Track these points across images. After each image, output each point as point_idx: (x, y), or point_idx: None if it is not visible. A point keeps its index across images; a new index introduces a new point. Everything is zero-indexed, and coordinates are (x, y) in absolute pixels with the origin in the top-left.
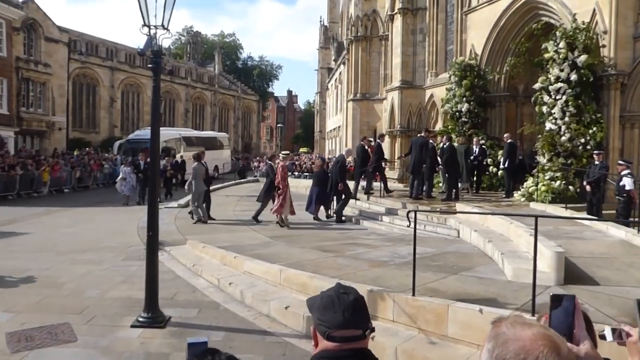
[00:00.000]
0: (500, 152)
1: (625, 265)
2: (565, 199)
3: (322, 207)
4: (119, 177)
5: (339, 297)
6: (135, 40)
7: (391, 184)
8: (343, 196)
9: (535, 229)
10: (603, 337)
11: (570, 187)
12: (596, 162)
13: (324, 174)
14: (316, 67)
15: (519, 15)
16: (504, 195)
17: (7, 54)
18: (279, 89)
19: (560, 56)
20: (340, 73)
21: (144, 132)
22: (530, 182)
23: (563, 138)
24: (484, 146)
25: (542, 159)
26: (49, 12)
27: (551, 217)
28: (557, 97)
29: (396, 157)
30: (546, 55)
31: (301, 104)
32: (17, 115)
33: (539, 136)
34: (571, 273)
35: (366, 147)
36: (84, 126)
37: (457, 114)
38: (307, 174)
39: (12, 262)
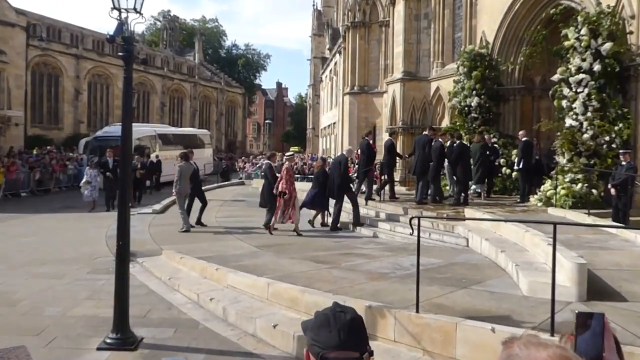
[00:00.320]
0: (515, 151)
1: None
2: (587, 204)
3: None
4: (83, 181)
5: (335, 315)
6: (104, 25)
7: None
8: (342, 203)
9: (554, 238)
10: None
11: (594, 191)
12: (622, 163)
13: (325, 176)
14: (309, 56)
15: None
16: (518, 200)
17: None
18: (267, 81)
19: (582, 44)
20: (335, 63)
21: (114, 129)
22: (548, 185)
23: (585, 136)
24: (496, 145)
25: (562, 159)
26: None
27: (572, 224)
28: (579, 90)
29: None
30: (566, 43)
31: (292, 97)
32: None
33: (558, 134)
34: (595, 287)
35: (371, 143)
36: (45, 122)
37: (466, 109)
38: (298, 176)
39: None
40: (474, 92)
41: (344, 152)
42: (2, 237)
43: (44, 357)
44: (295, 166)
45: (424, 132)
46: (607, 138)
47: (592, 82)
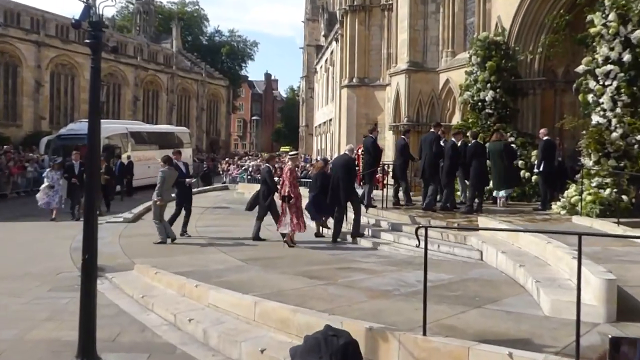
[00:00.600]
0: (535, 152)
1: None
2: (617, 212)
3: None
4: (43, 185)
5: (327, 340)
6: (69, 8)
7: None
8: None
9: (579, 250)
10: None
11: (624, 197)
12: None
13: (326, 178)
14: (301, 44)
15: None
16: (539, 207)
17: None
18: (254, 72)
19: (610, 31)
20: (331, 52)
21: (80, 126)
22: (572, 190)
23: (614, 135)
24: (513, 145)
25: (588, 161)
26: None
27: (599, 235)
28: (606, 83)
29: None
30: (592, 30)
31: (282, 90)
32: None
33: (584, 132)
34: (626, 306)
35: (375, 139)
36: (1, 118)
37: (479, 104)
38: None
39: None
40: (489, 85)
41: (346, 152)
42: None
43: None
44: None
45: (431, 130)
46: (638, 137)
47: (622, 74)
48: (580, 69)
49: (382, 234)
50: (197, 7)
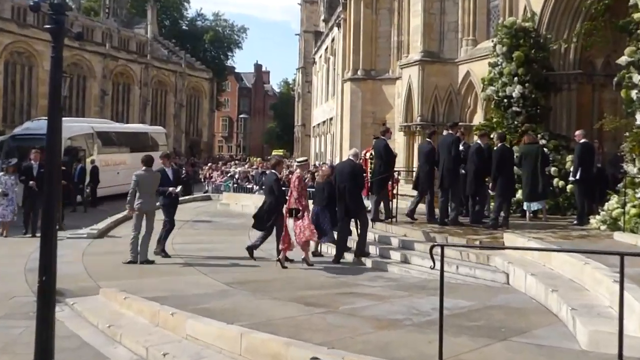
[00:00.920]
0: (570, 157)
1: None
2: None
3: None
4: None
5: None
6: None
7: (407, 204)
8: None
9: (621, 273)
10: None
11: None
12: None
13: (334, 188)
14: (297, 30)
15: None
16: (574, 222)
17: None
18: (242, 62)
19: None
20: (332, 40)
21: (38, 125)
22: (614, 201)
23: None
24: (545, 149)
25: (632, 168)
26: None
27: None
28: None
29: (415, 165)
30: (635, 16)
31: (275, 84)
32: None
33: (627, 134)
34: None
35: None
36: None
37: (505, 100)
38: (284, 188)
39: None
40: (516, 78)
41: (351, 157)
42: None
43: None
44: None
45: (448, 131)
46: None
47: None
48: (623, 60)
49: (391, 252)
50: None
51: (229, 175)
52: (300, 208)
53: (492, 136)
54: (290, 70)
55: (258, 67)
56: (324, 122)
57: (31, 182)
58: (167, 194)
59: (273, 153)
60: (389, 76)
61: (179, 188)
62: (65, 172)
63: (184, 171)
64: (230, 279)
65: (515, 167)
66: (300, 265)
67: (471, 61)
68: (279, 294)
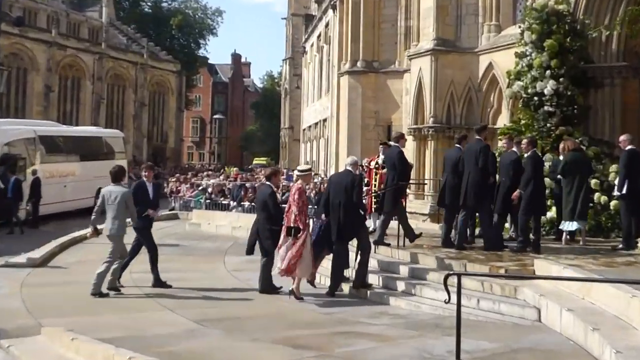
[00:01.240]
0: (614, 167)
1: None
2: None
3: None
4: None
5: None
6: None
7: (417, 224)
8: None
9: None
10: None
11: None
12: None
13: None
14: (284, 13)
15: None
16: (620, 245)
17: None
18: (217, 51)
19: None
20: (327, 25)
21: None
22: None
23: None
24: None
25: None
26: None
27: None
28: None
29: (426, 176)
30: None
31: (257, 78)
32: None
33: None
34: None
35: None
36: None
37: (535, 98)
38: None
39: None
40: (548, 72)
41: (348, 166)
42: None
43: None
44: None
45: (475, 137)
46: None
47: None
48: None
49: (397, 283)
50: None
51: (200, 188)
52: (302, 227)
53: (522, 142)
54: (275, 61)
55: (236, 57)
56: (316, 124)
57: None
58: (145, 216)
59: (254, 162)
60: (395, 69)
61: (159, 211)
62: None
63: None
64: (201, 315)
65: (546, 179)
66: (287, 298)
67: (494, 51)
68: (261, 334)
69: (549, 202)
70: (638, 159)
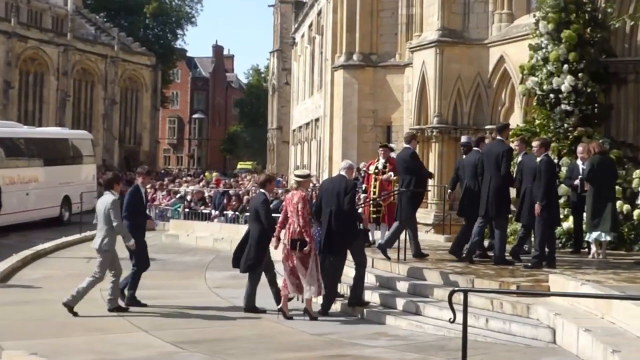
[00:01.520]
0: (638, 172)
1: None
2: None
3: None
4: None
5: None
6: None
7: (420, 235)
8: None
9: None
10: None
11: None
12: None
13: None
14: (272, 1)
15: None
16: None
17: None
18: (197, 43)
19: None
20: (319, 13)
21: None
22: None
23: None
24: None
25: None
26: None
27: None
28: None
29: (430, 183)
30: None
31: (241, 73)
32: None
33: None
34: None
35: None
36: None
37: (551, 96)
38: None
39: None
40: (566, 66)
41: (342, 171)
42: None
43: None
44: (245, 196)
45: (497, 137)
46: None
47: None
48: None
49: (397, 301)
50: None
51: (178, 196)
52: (308, 239)
53: (535, 144)
54: (261, 54)
55: (218, 49)
56: (307, 124)
57: None
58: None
59: (239, 166)
60: (396, 62)
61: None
62: None
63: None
64: (179, 337)
65: (562, 186)
66: (275, 317)
67: (506, 42)
68: (247, 357)
69: (565, 211)
70: None
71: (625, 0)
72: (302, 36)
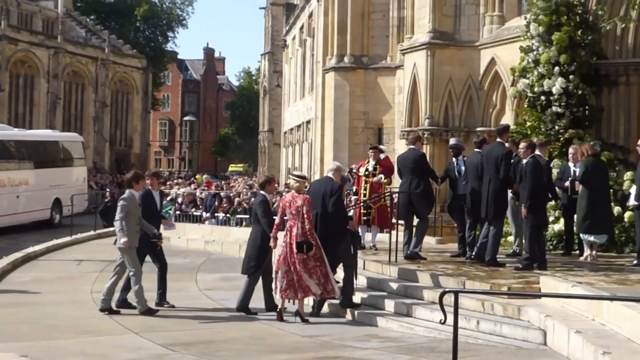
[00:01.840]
0: (629, 174)
1: None
2: None
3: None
4: None
5: None
6: None
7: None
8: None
9: None
10: None
11: None
12: None
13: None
14: (263, 3)
15: None
16: (635, 262)
17: None
18: (188, 45)
19: None
20: (310, 15)
21: None
22: None
23: None
24: None
25: None
26: None
27: None
28: None
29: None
30: None
31: (232, 75)
32: None
33: None
34: None
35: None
36: None
37: (542, 98)
38: (243, 216)
39: None
40: (557, 68)
41: (330, 173)
42: None
43: None
44: (236, 198)
45: (497, 139)
46: None
47: None
48: None
49: (388, 302)
50: None
51: (169, 198)
52: (314, 241)
53: (520, 146)
54: (253, 56)
55: (209, 52)
56: (298, 126)
57: None
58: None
59: (230, 169)
60: (387, 64)
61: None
62: None
63: (108, 194)
64: (170, 339)
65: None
66: (265, 319)
67: (497, 44)
68: (238, 359)
69: (556, 213)
70: None
71: (616, 3)
72: (293, 38)
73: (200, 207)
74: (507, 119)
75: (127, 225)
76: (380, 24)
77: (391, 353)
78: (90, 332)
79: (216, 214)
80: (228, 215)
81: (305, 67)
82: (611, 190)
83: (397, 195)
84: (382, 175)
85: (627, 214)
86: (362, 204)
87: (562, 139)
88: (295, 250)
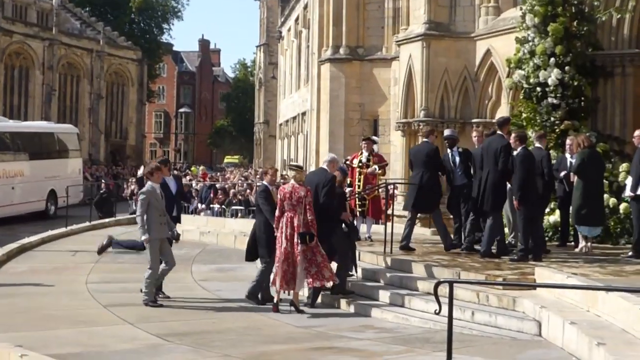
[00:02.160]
0: (625, 166)
1: None
2: None
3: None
4: None
5: None
6: None
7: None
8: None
9: None
10: None
11: None
12: None
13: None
14: None
15: None
16: (630, 253)
17: None
18: (183, 37)
19: None
20: (306, 6)
21: None
22: None
23: None
24: None
25: None
26: None
27: None
28: None
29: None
30: None
31: (228, 67)
32: None
33: None
34: None
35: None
36: None
37: (537, 89)
38: (239, 207)
39: None
40: (552, 60)
41: (325, 165)
42: None
43: None
44: (231, 190)
45: (496, 132)
46: None
47: None
48: None
49: (383, 293)
50: None
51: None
52: (314, 232)
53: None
54: (248, 48)
55: (204, 43)
56: (294, 118)
57: None
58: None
59: (225, 160)
60: (382, 56)
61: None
62: None
63: (103, 185)
64: (164, 329)
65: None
66: (262, 310)
67: (493, 35)
68: (232, 350)
69: (552, 205)
70: None
71: None
72: (289, 30)
73: (196, 198)
74: (503, 110)
75: (150, 218)
76: (375, 15)
77: (386, 344)
78: (86, 323)
79: (211, 205)
80: (223, 206)
81: (300, 58)
82: (607, 182)
83: (391, 186)
84: (376, 166)
85: (623, 206)
86: (356, 195)
87: (557, 130)
88: (298, 241)
